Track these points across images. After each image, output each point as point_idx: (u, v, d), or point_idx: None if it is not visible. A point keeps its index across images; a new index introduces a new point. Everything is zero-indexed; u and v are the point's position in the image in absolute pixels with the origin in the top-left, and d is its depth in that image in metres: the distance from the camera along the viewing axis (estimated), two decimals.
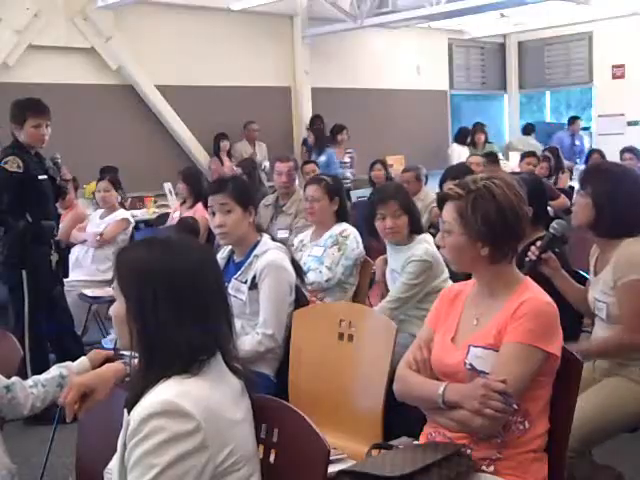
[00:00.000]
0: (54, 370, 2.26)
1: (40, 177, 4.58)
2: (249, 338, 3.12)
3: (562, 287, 3.02)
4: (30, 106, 4.55)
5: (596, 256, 3.01)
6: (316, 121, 10.09)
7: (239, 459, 1.69)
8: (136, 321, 1.70)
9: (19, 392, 2.17)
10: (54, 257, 4.66)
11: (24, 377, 2.26)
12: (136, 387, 1.70)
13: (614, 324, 2.84)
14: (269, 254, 3.18)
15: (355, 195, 9.60)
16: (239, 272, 3.22)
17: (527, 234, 2.29)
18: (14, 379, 2.20)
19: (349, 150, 9.90)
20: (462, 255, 2.18)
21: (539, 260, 2.98)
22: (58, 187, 4.83)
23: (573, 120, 11.86)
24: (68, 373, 2.24)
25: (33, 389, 2.19)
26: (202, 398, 1.64)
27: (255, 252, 3.22)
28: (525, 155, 8.06)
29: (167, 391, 1.62)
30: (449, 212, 2.17)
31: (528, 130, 12.09)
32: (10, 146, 4.56)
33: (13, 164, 4.43)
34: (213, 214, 3.24)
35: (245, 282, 3.19)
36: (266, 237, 3.30)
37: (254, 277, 3.17)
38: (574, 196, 3.23)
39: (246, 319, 3.18)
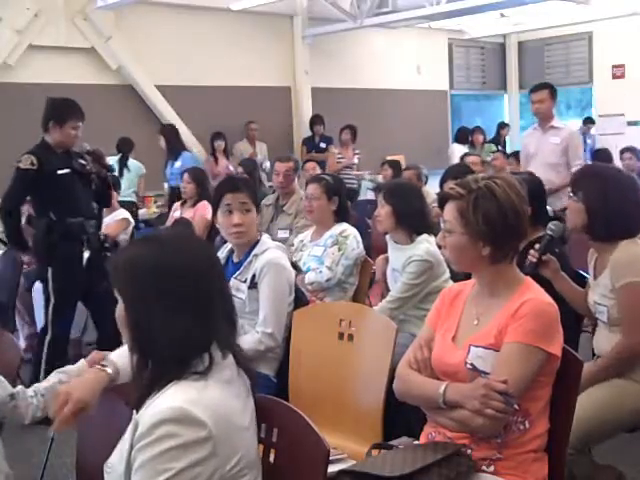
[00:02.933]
0: (53, 377, 2.25)
1: (60, 172, 4.52)
2: (249, 337, 3.11)
3: (562, 289, 3.01)
4: (71, 108, 4.58)
5: (594, 259, 3.00)
6: (168, 128, 8.75)
7: (245, 466, 1.67)
8: (129, 320, 1.70)
9: (21, 401, 2.17)
10: (86, 254, 4.59)
11: (36, 377, 2.26)
12: (139, 387, 1.68)
13: (615, 326, 2.84)
14: (268, 253, 3.18)
15: (365, 186, 9.60)
16: (239, 271, 3.22)
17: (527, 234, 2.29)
18: (19, 388, 2.20)
19: (357, 151, 9.87)
20: (463, 255, 2.18)
21: (540, 262, 2.98)
22: (103, 179, 4.75)
23: (586, 121, 11.98)
24: (67, 379, 2.22)
25: (34, 399, 2.18)
26: (213, 404, 1.62)
27: (255, 251, 3.22)
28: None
29: (179, 397, 1.60)
30: (450, 211, 2.17)
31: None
32: (36, 146, 4.57)
33: (26, 161, 4.45)
34: (229, 212, 3.19)
35: (245, 281, 3.18)
36: (265, 236, 3.30)
37: (254, 276, 3.16)
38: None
39: (246, 319, 3.17)
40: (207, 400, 1.61)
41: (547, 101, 5.98)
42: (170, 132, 8.44)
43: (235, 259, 3.30)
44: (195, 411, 1.58)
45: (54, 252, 4.53)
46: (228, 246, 3.37)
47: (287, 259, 3.25)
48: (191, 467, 1.56)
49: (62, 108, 4.56)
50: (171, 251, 1.72)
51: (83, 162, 4.64)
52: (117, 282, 1.73)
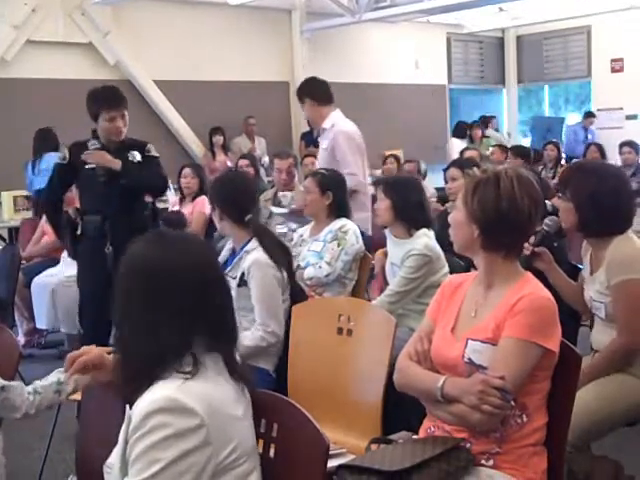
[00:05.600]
0: (53, 376, 2.24)
1: (87, 166, 4.31)
2: (250, 334, 3.15)
3: (556, 283, 3.01)
4: (100, 99, 4.38)
5: (589, 254, 2.99)
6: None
7: (240, 455, 1.69)
8: (116, 315, 1.73)
9: (16, 396, 2.15)
10: (109, 252, 4.20)
11: None
12: (126, 383, 1.70)
13: (612, 321, 2.84)
14: (255, 253, 3.24)
15: None
16: (230, 267, 3.27)
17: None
18: (16, 383, 2.19)
19: None
20: (458, 231, 2.23)
21: (533, 255, 2.98)
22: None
23: (588, 115, 11.95)
24: (66, 379, 2.21)
25: (30, 396, 2.18)
26: (205, 394, 1.64)
27: (247, 247, 3.29)
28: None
29: (170, 387, 1.62)
30: (462, 189, 2.22)
31: (486, 122, 12.13)
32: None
33: (61, 154, 4.42)
34: None
35: (235, 278, 3.23)
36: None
37: (242, 274, 3.23)
38: None
39: (240, 316, 3.21)
40: (197, 389, 1.63)
41: (308, 108, 5.13)
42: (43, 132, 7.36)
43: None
44: (186, 400, 1.59)
45: (77, 249, 4.43)
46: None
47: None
48: (185, 456, 1.57)
49: (91, 101, 4.38)
50: (169, 255, 1.73)
51: (131, 158, 4.39)
52: (119, 274, 1.76)
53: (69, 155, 4.37)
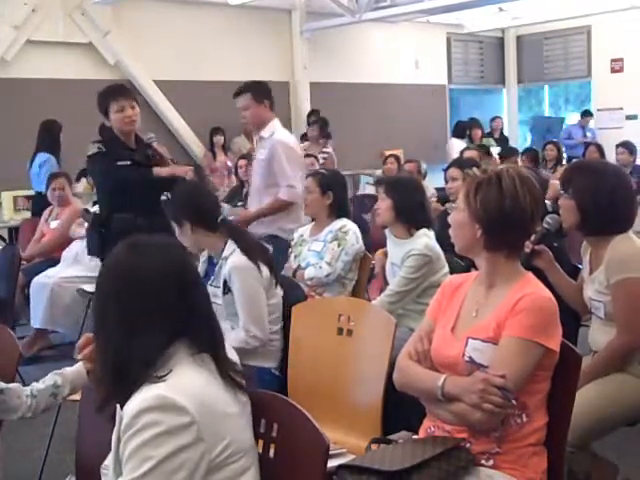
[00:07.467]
0: (49, 379, 2.23)
1: (120, 163, 4.25)
2: (234, 334, 3.15)
3: (556, 282, 3.01)
4: (108, 92, 4.33)
5: (589, 253, 2.99)
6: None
7: (235, 452, 1.69)
8: (93, 317, 1.76)
9: (13, 398, 2.14)
10: None
11: None
12: (109, 385, 1.71)
13: (612, 321, 2.84)
14: (232, 257, 3.23)
15: (364, 180, 9.50)
16: (213, 277, 3.28)
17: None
18: (14, 385, 2.19)
19: (325, 149, 9.15)
20: (460, 232, 2.22)
21: (533, 253, 2.98)
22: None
23: (584, 114, 11.95)
24: (62, 382, 2.21)
25: (28, 399, 2.17)
26: (196, 392, 1.65)
27: (224, 254, 3.28)
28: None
29: (160, 386, 1.63)
30: (462, 189, 2.22)
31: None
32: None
33: (93, 148, 4.32)
34: None
35: (219, 287, 3.24)
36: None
37: (225, 282, 3.22)
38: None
39: (229, 321, 3.23)
40: (188, 387, 1.65)
41: (252, 107, 4.70)
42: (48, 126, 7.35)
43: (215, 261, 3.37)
44: (176, 398, 1.61)
45: (105, 247, 4.27)
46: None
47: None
48: (177, 453, 1.58)
49: (100, 98, 4.32)
50: (147, 258, 1.75)
51: (149, 153, 4.36)
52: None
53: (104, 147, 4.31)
